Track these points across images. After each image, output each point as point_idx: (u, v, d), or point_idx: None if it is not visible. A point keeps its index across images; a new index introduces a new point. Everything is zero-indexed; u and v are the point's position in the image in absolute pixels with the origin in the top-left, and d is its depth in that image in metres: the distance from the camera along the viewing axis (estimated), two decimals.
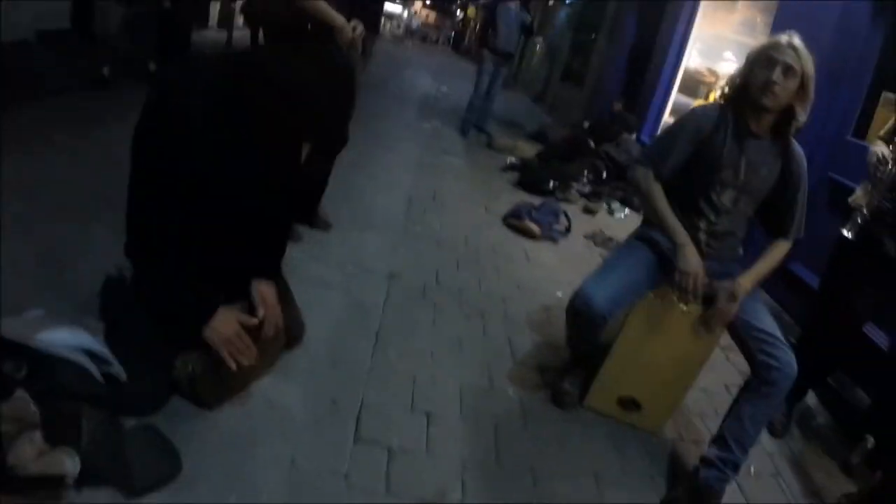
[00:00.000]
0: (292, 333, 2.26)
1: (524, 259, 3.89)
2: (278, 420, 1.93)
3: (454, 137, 7.41)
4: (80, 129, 4.35)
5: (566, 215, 4.55)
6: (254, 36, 8.60)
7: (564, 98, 11.57)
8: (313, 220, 3.50)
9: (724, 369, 2.93)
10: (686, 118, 2.22)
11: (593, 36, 10.99)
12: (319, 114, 1.68)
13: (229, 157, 1.74)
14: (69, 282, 2.35)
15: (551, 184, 5.36)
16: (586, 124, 7.08)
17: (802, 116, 2.02)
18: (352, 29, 2.91)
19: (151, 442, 1.63)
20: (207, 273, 1.86)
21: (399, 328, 2.66)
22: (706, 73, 7.12)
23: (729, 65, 6.61)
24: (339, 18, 2.84)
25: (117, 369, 1.72)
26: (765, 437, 2.47)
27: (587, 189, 5.59)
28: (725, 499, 1.98)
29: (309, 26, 2.88)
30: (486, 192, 5.23)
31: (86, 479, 1.45)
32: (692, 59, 7.25)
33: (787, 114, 2.03)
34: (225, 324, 1.81)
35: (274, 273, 2.11)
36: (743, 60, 2.10)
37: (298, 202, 3.31)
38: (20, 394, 1.48)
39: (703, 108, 2.27)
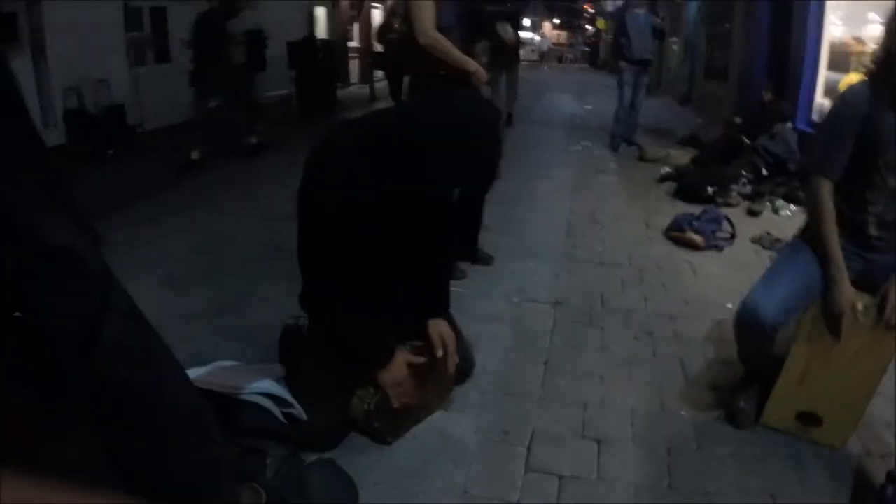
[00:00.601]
0: (463, 368, 2.42)
1: (690, 272, 3.78)
2: (451, 451, 2.07)
3: (605, 155, 7.34)
4: (242, 191, 4.93)
5: (729, 221, 4.34)
6: (393, 89, 9.24)
7: (711, 95, 10.95)
8: (475, 256, 3.68)
9: None
10: (839, 108, 2.07)
11: (727, 26, 10.36)
12: (469, 160, 1.81)
13: (389, 209, 1.87)
14: (250, 330, 2.68)
15: (710, 189, 5.14)
16: (738, 120, 6.69)
17: None
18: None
19: (330, 475, 1.82)
20: (381, 317, 2.02)
21: (567, 355, 2.73)
22: (852, 42, 6.39)
23: (875, 27, 5.87)
24: (471, 63, 2.99)
25: (298, 410, 1.95)
26: None
27: (748, 189, 5.28)
28: None
29: (442, 72, 3.02)
30: (644, 207, 5.14)
31: None
32: (835, 29, 6.57)
33: None
34: (400, 368, 2.00)
35: (444, 311, 2.27)
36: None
37: (458, 241, 3.49)
38: None
39: (850, 90, 2.09)
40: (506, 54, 8.47)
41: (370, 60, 12.32)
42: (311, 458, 1.89)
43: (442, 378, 2.27)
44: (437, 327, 2.14)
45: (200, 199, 4.99)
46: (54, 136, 5.97)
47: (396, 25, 8.12)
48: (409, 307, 2.14)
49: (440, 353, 2.10)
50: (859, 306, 1.97)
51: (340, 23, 14.23)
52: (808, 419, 2.16)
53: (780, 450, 2.15)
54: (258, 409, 1.88)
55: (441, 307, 2.25)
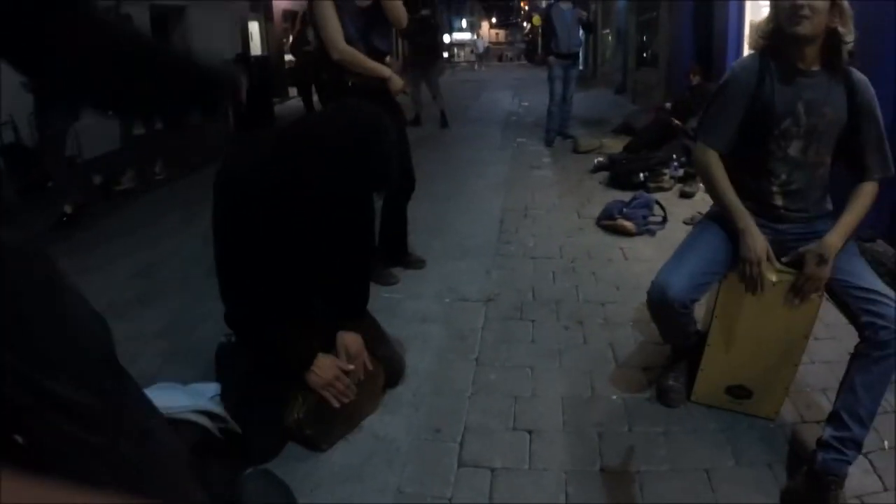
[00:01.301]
0: (393, 371, 2.40)
1: (622, 259, 3.81)
2: (385, 452, 2.06)
3: (540, 150, 7.40)
4: (180, 212, 4.81)
5: (660, 205, 4.41)
6: (305, 102, 9.40)
7: (644, 83, 11.24)
8: (405, 260, 3.65)
9: (849, 337, 2.71)
10: (726, 79, 2.08)
11: (654, 14, 10.65)
12: (355, 167, 1.81)
13: (288, 219, 1.90)
14: (191, 349, 2.62)
15: (641, 176, 5.22)
16: (667, 105, 6.84)
17: (849, 36, 1.85)
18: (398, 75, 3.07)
19: (266, 485, 1.80)
20: (301, 326, 2.03)
21: (498, 350, 2.72)
22: None
23: None
24: (385, 70, 2.99)
25: (232, 425, 1.92)
26: None
27: (680, 172, 5.38)
28: (857, 479, 1.84)
29: (350, 83, 3.03)
30: (577, 198, 5.19)
31: None
32: (756, 9, 6.77)
33: (832, 39, 1.86)
34: (325, 369, 2.01)
35: (360, 317, 2.26)
36: None
37: (364, 245, 3.50)
38: None
39: (740, 62, 2.12)
40: (423, 57, 8.55)
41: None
42: (249, 471, 1.86)
43: (371, 382, 2.25)
44: (342, 339, 2.14)
45: (140, 223, 4.85)
46: None
47: (311, 38, 7.62)
48: (326, 312, 2.13)
49: (348, 366, 2.10)
50: (773, 277, 1.99)
51: (275, 37, 14.04)
52: (738, 392, 2.19)
53: (712, 425, 2.17)
54: (195, 427, 1.85)
55: (356, 311, 2.24)
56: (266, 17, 13.83)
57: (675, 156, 5.44)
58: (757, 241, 1.97)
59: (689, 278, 1.98)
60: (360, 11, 2.98)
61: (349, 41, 2.95)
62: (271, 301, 1.95)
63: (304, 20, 7.45)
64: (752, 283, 1.98)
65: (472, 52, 31.75)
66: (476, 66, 28.11)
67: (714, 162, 2.07)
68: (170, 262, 3.88)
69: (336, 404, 2.02)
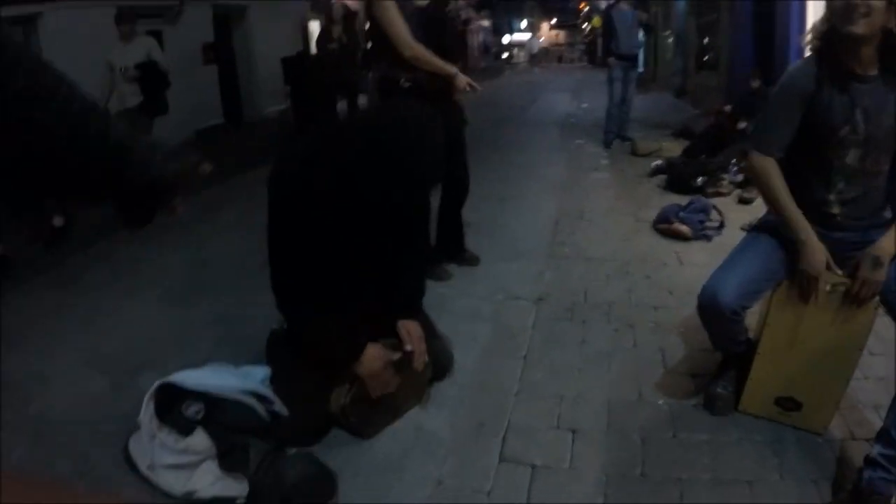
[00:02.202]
0: (440, 364, 2.45)
1: (676, 263, 3.76)
2: (427, 444, 2.11)
3: (598, 152, 7.33)
4: (236, 208, 4.99)
5: (717, 210, 4.32)
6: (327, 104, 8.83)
7: (704, 86, 10.96)
8: (460, 257, 3.70)
9: None
10: (783, 83, 2.02)
11: (714, 16, 10.37)
12: (415, 164, 1.87)
13: (349, 216, 1.99)
14: (243, 338, 2.73)
15: (699, 180, 5.12)
16: (727, 108, 6.67)
17: None
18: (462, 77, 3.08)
19: (309, 467, 1.89)
20: (353, 317, 2.10)
21: (547, 349, 2.73)
22: None
23: None
24: (451, 68, 3.00)
25: (279, 407, 2.01)
26: None
27: (739, 177, 5.24)
28: None
29: (402, 82, 3.06)
30: (633, 201, 5.13)
31: (253, 500, 1.76)
32: (818, 10, 6.53)
33: (890, 40, 1.79)
34: (373, 359, 2.07)
35: (415, 311, 2.31)
36: None
37: (418, 242, 3.58)
38: (199, 432, 1.84)
39: (795, 66, 2.05)
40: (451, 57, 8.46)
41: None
42: (292, 452, 1.95)
43: (418, 374, 2.30)
44: (405, 325, 2.19)
45: (193, 219, 5.06)
46: None
47: (335, 35, 7.22)
48: (378, 306, 2.19)
49: (408, 347, 2.15)
50: (827, 287, 1.95)
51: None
52: (787, 404, 2.14)
53: (757, 436, 2.12)
54: (243, 407, 1.95)
55: (409, 305, 2.28)
56: (326, 16, 14.10)
57: (734, 160, 5.31)
58: (817, 252, 1.92)
59: (741, 285, 1.95)
60: (419, 11, 3.03)
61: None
62: (324, 293, 2.02)
63: (331, 18, 7.13)
64: (808, 296, 1.95)
65: (521, 53, 31.35)
66: (531, 67, 27.72)
67: (771, 169, 2.01)
68: (224, 257, 4.04)
69: (376, 394, 2.08)
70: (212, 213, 5.17)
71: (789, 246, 2.00)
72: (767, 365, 2.13)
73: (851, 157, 1.92)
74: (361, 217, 2.00)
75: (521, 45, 32.15)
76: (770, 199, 2.05)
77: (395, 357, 2.14)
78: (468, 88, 3.16)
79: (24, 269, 3.82)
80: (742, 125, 5.91)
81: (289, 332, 2.24)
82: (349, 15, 6.71)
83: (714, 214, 4.29)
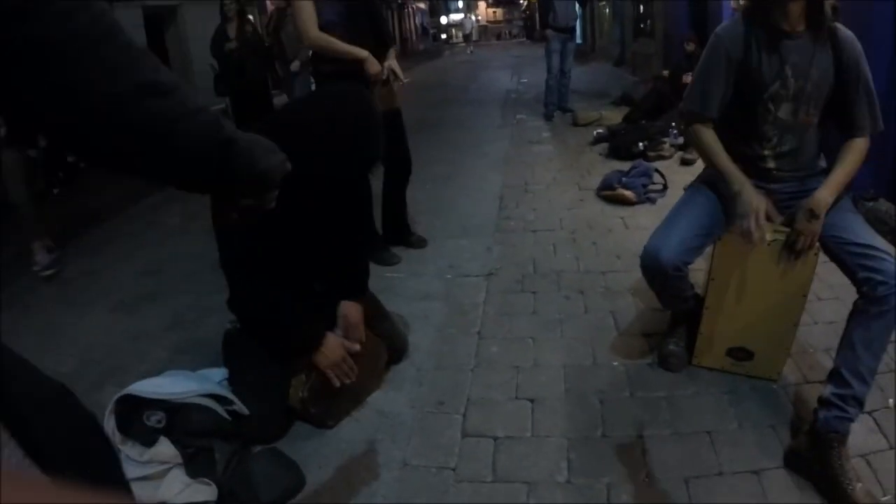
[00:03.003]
0: (395, 347, 2.42)
1: (622, 228, 3.80)
2: (389, 427, 2.09)
3: (540, 126, 7.36)
4: (183, 211, 4.84)
5: (659, 173, 4.38)
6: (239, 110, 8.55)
7: (642, 54, 11.14)
8: (407, 240, 3.66)
9: (851, 297, 2.69)
10: (711, 46, 2.04)
11: None
12: (353, 146, 1.84)
13: (292, 205, 1.91)
14: (200, 342, 2.65)
15: (641, 145, 5.19)
16: (664, 73, 6.79)
17: None
18: (383, 59, 3.02)
19: (275, 463, 1.86)
20: (306, 307, 2.06)
21: (499, 323, 2.73)
22: None
23: None
24: (360, 52, 2.92)
25: (239, 406, 1.96)
26: None
27: (680, 140, 5.33)
28: (862, 438, 1.84)
29: (323, 71, 3.04)
30: (577, 171, 5.17)
31: (224, 501, 1.70)
32: None
33: None
34: (332, 349, 2.04)
35: (360, 296, 2.27)
36: None
37: (359, 226, 3.55)
38: (163, 441, 1.78)
39: (723, 27, 2.06)
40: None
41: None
42: (257, 449, 1.93)
43: (374, 359, 2.27)
44: (343, 308, 2.16)
45: (145, 224, 4.89)
46: None
47: (231, 34, 6.17)
48: (326, 294, 2.15)
49: (354, 346, 2.12)
50: (767, 235, 1.97)
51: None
52: (739, 354, 2.19)
53: (714, 388, 2.17)
54: (203, 410, 1.90)
55: (355, 290, 2.24)
56: (259, 12, 13.73)
57: (673, 124, 5.39)
58: (755, 196, 1.93)
59: (681, 241, 1.97)
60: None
61: (329, 27, 2.91)
62: (273, 284, 1.98)
63: (225, 16, 6.20)
64: (751, 235, 1.90)
65: (458, 34, 30.85)
66: (467, 48, 27.42)
67: (705, 129, 2.05)
68: (175, 261, 3.90)
69: (337, 383, 2.04)
70: (158, 217, 5.00)
71: (727, 199, 2.02)
72: (716, 318, 2.17)
73: (783, 111, 1.96)
74: (306, 205, 1.94)
75: (458, 24, 31.79)
76: (705, 156, 2.08)
77: (353, 348, 2.10)
78: (382, 74, 3.05)
79: None
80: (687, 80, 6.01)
81: (242, 330, 2.18)
82: (242, 11, 6.31)
83: (657, 177, 4.35)
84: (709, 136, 2.05)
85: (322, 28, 2.89)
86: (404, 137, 3.39)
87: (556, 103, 7.60)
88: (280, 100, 7.84)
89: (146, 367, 2.49)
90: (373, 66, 2.95)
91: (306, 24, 2.89)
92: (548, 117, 7.53)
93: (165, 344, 2.80)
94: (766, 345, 2.14)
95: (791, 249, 1.95)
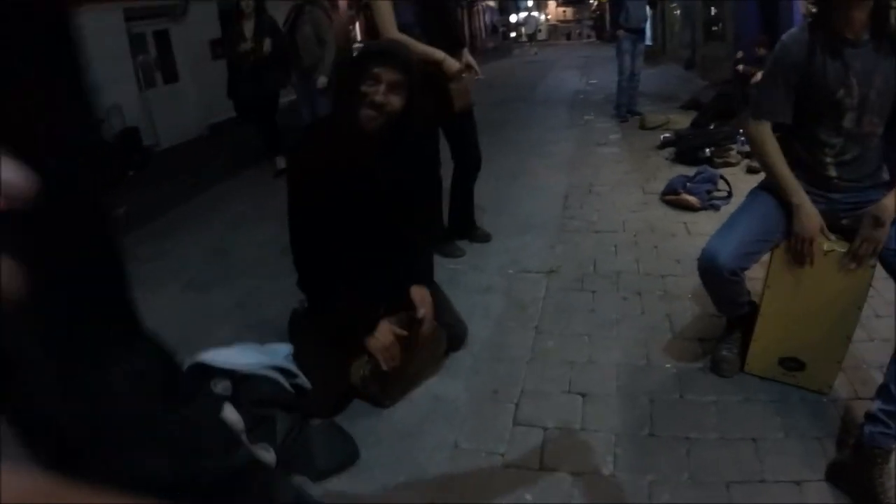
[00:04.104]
0: (455, 336, 2.54)
1: (685, 233, 3.81)
2: (443, 411, 2.21)
3: (606, 127, 7.33)
4: (256, 200, 5.10)
5: (724, 179, 4.34)
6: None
7: (713, 57, 10.86)
8: (472, 234, 3.78)
9: None
10: (777, 52, 2.07)
11: None
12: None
13: (359, 194, 2.11)
14: (265, 320, 2.84)
15: (707, 151, 5.13)
16: (740, 68, 6.65)
17: None
18: (461, 60, 3.12)
19: (333, 436, 2.02)
20: (367, 292, 2.21)
21: (557, 319, 2.81)
22: None
23: None
24: (438, 53, 3.04)
25: (303, 380, 2.13)
26: None
27: (747, 147, 5.23)
28: None
29: None
30: (642, 174, 5.15)
31: (281, 469, 1.85)
32: None
33: (880, 3, 1.84)
34: (383, 334, 2.17)
35: (425, 282, 2.39)
36: None
37: (425, 219, 3.69)
38: (228, 407, 1.93)
39: (789, 34, 2.08)
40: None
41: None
42: (316, 422, 2.07)
43: (434, 346, 2.40)
44: (416, 291, 2.29)
45: (214, 209, 5.20)
46: None
47: (248, 34, 5.58)
48: (389, 282, 2.28)
49: (421, 312, 2.25)
50: (825, 246, 2.00)
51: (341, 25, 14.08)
52: (791, 364, 2.20)
53: (763, 396, 2.19)
54: (269, 382, 2.07)
55: (421, 280, 2.37)
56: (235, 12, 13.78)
57: (741, 130, 5.30)
58: (811, 217, 1.98)
59: (739, 246, 2.01)
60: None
61: (406, 28, 3.02)
62: (338, 267, 2.15)
63: (242, 12, 5.57)
64: (803, 259, 2.00)
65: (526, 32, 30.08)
66: (530, 49, 26.79)
67: (766, 135, 2.08)
68: (242, 246, 4.16)
69: (385, 367, 2.16)
70: (225, 205, 5.29)
71: (788, 207, 2.05)
72: (770, 326, 2.19)
73: (847, 120, 1.97)
74: (372, 189, 2.12)
75: (524, 23, 31.38)
76: (765, 164, 2.12)
77: (403, 333, 2.23)
78: (464, 72, 3.17)
79: None
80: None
81: (309, 309, 2.34)
82: (261, 7, 5.65)
83: (721, 184, 4.31)
84: (770, 143, 2.08)
85: (399, 30, 3.02)
86: (475, 133, 3.50)
87: (626, 104, 7.56)
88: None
89: (214, 342, 2.63)
90: (451, 66, 3.06)
91: (386, 24, 3.01)
92: (620, 117, 7.50)
93: (233, 321, 3.01)
94: (819, 357, 2.14)
95: (851, 258, 1.96)
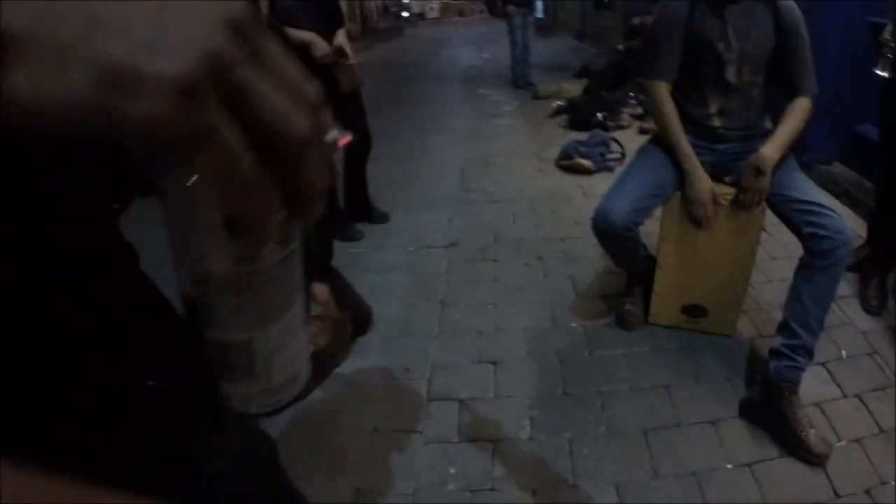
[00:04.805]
0: (360, 320, 2.43)
1: (581, 196, 3.86)
2: (358, 395, 2.13)
3: (499, 100, 7.36)
4: None
5: (616, 141, 4.45)
6: None
7: (604, 27, 11.20)
8: (369, 215, 3.68)
9: None
10: (661, 15, 2.13)
11: None
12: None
13: None
14: None
15: (600, 115, 5.25)
16: (621, 47, 6.85)
17: None
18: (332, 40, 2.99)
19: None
20: None
21: (462, 291, 2.78)
22: None
23: None
24: (306, 35, 2.89)
25: None
26: (860, 316, 2.35)
27: (639, 110, 5.41)
28: (817, 388, 1.93)
29: None
30: (537, 143, 5.21)
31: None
32: None
33: None
34: None
35: (325, 273, 2.28)
36: None
37: (350, 205, 3.58)
38: None
39: None
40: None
41: None
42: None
43: (341, 332, 2.29)
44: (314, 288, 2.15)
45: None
46: None
47: None
48: None
49: (317, 310, 2.11)
50: (719, 199, 2.05)
51: None
52: (694, 311, 2.27)
53: (670, 344, 2.25)
54: None
55: (318, 269, 2.24)
56: None
57: (631, 94, 5.47)
58: (703, 182, 2.03)
59: (631, 202, 2.03)
60: None
61: (287, 11, 2.87)
62: None
63: None
64: (700, 224, 2.06)
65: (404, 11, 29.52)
66: (416, 24, 26.21)
67: (665, 97, 2.10)
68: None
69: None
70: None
71: (676, 161, 2.09)
72: (669, 277, 2.24)
73: (729, 72, 2.03)
74: None
75: (406, 5, 30.99)
76: (661, 125, 2.14)
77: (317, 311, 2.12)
78: (331, 55, 3.02)
79: None
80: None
81: None
82: None
83: (614, 146, 4.41)
84: (668, 104, 2.10)
85: (280, 13, 2.86)
86: (364, 115, 3.39)
87: (522, 76, 7.65)
88: None
89: None
90: (318, 48, 2.91)
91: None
92: (518, 88, 7.59)
93: None
94: (720, 301, 2.22)
95: (740, 206, 2.01)
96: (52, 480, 0.33)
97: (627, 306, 2.35)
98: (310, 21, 2.90)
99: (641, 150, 2.27)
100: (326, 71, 3.00)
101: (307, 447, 1.92)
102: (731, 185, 2.07)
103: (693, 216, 2.07)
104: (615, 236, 2.05)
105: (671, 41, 2.06)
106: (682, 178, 2.07)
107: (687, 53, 2.06)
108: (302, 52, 2.89)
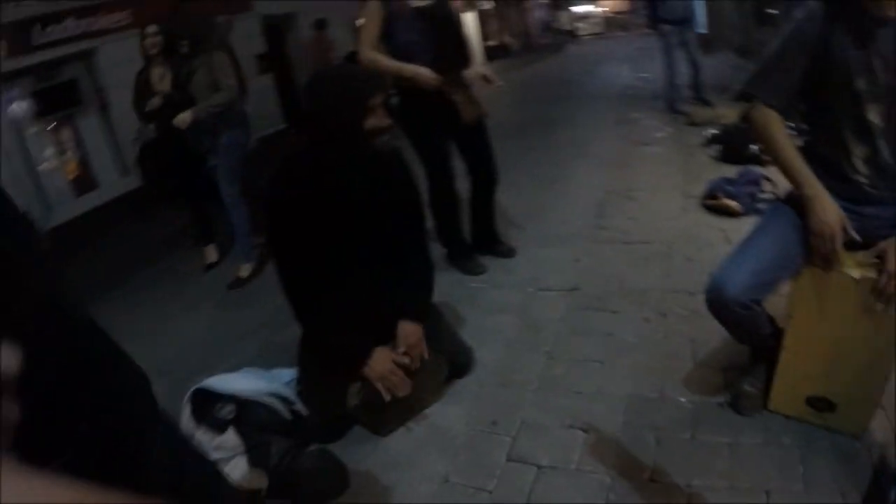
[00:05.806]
0: (458, 363, 2.44)
1: (723, 242, 3.54)
2: (440, 441, 2.15)
3: (651, 124, 6.98)
4: None
5: (769, 180, 3.99)
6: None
7: (766, 42, 10.22)
8: (495, 249, 3.65)
9: None
10: (787, 27, 1.79)
11: None
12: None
13: (344, 225, 2.07)
14: (284, 342, 2.81)
15: (755, 147, 4.75)
16: None
17: None
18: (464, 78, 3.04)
19: (323, 463, 2.01)
20: (362, 322, 2.17)
21: (571, 342, 2.67)
22: None
23: None
24: (408, 69, 2.93)
25: (300, 407, 2.18)
26: None
27: (799, 142, 4.85)
28: None
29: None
30: (684, 176, 4.86)
31: (273, 493, 1.90)
32: None
33: None
34: (379, 362, 2.12)
35: (422, 311, 2.31)
36: None
37: (477, 237, 3.64)
38: (231, 431, 2.02)
39: (806, 6, 1.77)
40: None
41: None
42: (310, 449, 2.05)
43: (434, 373, 2.31)
44: (402, 328, 2.23)
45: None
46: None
47: (158, 88, 4.03)
48: (379, 315, 2.23)
49: (401, 349, 2.19)
50: (855, 273, 1.74)
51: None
52: (820, 404, 1.96)
53: (786, 439, 1.95)
54: (266, 409, 2.13)
55: (415, 309, 2.29)
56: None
57: (792, 125, 4.93)
58: (829, 209, 1.69)
59: (752, 275, 1.75)
60: (417, 12, 2.95)
61: (398, 44, 2.97)
62: (325, 297, 2.12)
63: (148, 55, 4.05)
64: (826, 262, 1.71)
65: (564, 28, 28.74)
66: (574, 40, 25.47)
67: (773, 118, 1.80)
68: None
69: (388, 397, 2.12)
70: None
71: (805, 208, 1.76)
72: (795, 360, 1.97)
73: (873, 113, 1.70)
74: (352, 218, 2.08)
75: (582, 17, 30.34)
76: (771, 152, 1.85)
77: (403, 360, 2.17)
78: (435, 84, 2.98)
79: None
80: None
81: (304, 337, 2.31)
82: (172, 47, 3.96)
83: (766, 185, 3.99)
84: (776, 127, 1.79)
85: (400, 47, 2.95)
86: (488, 148, 3.39)
87: (682, 99, 7.15)
88: None
89: (235, 360, 2.82)
90: (427, 79, 2.93)
91: (363, 43, 3.01)
92: (674, 111, 7.07)
93: (255, 342, 3.13)
94: (851, 397, 1.90)
95: (878, 295, 1.70)
96: (52, 480, 0.34)
97: (746, 386, 2.09)
98: (428, 57, 2.94)
99: (770, 209, 2.00)
100: (449, 104, 3.03)
101: (378, 484, 1.99)
102: (877, 258, 1.72)
103: (818, 253, 1.72)
104: (730, 314, 1.79)
105: (794, 66, 1.75)
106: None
107: (818, 84, 1.74)
108: (413, 85, 2.97)
